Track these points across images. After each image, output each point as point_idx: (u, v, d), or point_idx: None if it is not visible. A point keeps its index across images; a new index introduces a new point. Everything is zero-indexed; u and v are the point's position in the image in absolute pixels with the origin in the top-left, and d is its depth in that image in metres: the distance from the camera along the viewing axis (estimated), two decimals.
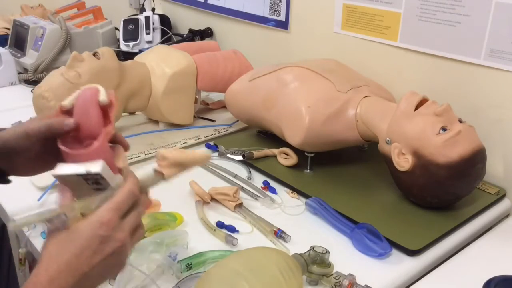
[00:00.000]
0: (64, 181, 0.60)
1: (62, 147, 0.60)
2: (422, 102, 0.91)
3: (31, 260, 0.93)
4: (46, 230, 0.52)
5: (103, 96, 0.63)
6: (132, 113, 1.32)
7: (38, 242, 0.85)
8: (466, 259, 0.82)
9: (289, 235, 0.84)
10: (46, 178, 0.99)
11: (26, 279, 1.07)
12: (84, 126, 0.61)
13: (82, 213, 0.54)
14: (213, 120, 1.34)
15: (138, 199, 0.59)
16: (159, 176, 0.63)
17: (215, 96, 1.49)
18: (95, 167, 0.57)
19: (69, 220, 0.53)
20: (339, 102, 1.00)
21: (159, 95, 1.19)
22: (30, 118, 0.69)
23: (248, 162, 1.10)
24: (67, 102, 0.63)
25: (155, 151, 1.14)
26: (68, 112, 0.63)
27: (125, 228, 0.56)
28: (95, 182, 0.59)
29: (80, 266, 0.53)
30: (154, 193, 0.93)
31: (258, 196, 0.98)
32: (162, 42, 1.79)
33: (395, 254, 0.82)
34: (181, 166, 0.64)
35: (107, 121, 0.62)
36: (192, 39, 1.72)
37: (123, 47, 1.78)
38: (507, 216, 0.99)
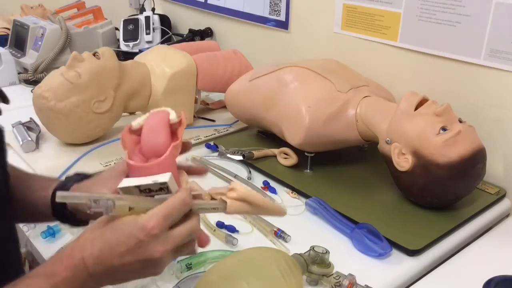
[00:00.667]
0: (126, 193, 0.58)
1: (129, 161, 0.58)
2: (422, 102, 0.91)
3: (31, 260, 0.93)
4: (90, 210, 0.51)
5: (173, 116, 0.61)
6: (132, 113, 1.32)
7: (38, 242, 0.85)
8: (466, 259, 0.82)
9: (289, 235, 0.84)
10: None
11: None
12: (152, 144, 0.60)
13: (130, 207, 0.53)
14: (213, 120, 1.34)
15: (192, 215, 0.57)
16: (222, 204, 0.59)
17: (215, 96, 1.49)
18: (163, 177, 0.56)
19: (115, 208, 0.52)
20: (339, 102, 1.00)
21: (159, 95, 1.19)
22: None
23: (248, 162, 1.10)
24: (135, 123, 0.62)
25: None
26: (136, 132, 0.62)
27: (168, 241, 0.54)
28: (160, 184, 0.57)
29: (110, 258, 0.53)
30: None
31: None
32: (162, 42, 1.79)
33: (395, 254, 0.82)
34: (249, 206, 0.59)
35: (174, 139, 0.61)
36: (192, 39, 1.71)
37: (123, 47, 1.78)
38: (507, 216, 0.99)
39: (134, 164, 0.58)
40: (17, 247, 0.72)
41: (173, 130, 0.62)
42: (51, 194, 0.69)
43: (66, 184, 0.69)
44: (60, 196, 0.52)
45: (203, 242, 0.62)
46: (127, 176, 0.60)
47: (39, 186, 0.73)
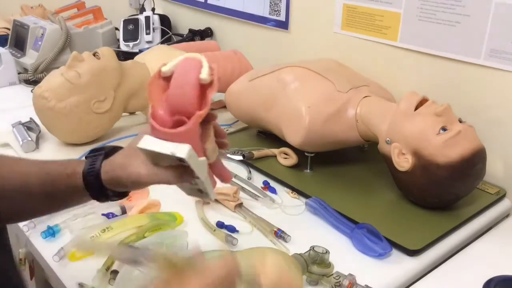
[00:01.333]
0: (146, 152, 0.58)
1: (151, 121, 0.56)
2: (422, 102, 0.91)
3: (31, 260, 0.93)
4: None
5: (204, 74, 0.57)
6: (132, 113, 1.32)
7: (38, 242, 0.85)
8: (466, 259, 0.82)
9: (289, 235, 0.84)
10: None
11: (25, 279, 1.06)
12: (178, 100, 0.57)
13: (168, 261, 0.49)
14: None
15: None
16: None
17: (215, 96, 1.49)
18: (181, 151, 0.54)
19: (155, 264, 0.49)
20: (339, 102, 1.00)
21: None
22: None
23: (248, 162, 1.10)
24: (167, 68, 0.59)
25: None
26: (167, 79, 0.58)
27: None
28: (179, 159, 0.56)
29: None
30: (154, 193, 0.94)
31: (258, 196, 0.98)
32: (162, 42, 1.79)
33: (395, 254, 0.82)
34: None
35: (202, 103, 0.57)
36: (192, 39, 1.72)
37: (123, 47, 1.78)
38: (507, 216, 0.99)
39: (155, 126, 0.56)
40: (8, 258, 0.67)
41: (203, 89, 0.57)
42: (83, 177, 0.64)
43: (94, 164, 0.65)
44: (77, 244, 0.53)
45: (227, 178, 0.68)
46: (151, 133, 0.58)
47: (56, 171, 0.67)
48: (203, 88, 0.57)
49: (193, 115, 0.56)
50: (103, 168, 0.64)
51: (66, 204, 0.72)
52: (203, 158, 0.59)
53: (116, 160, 0.65)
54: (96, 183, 0.64)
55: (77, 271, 0.77)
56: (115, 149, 0.68)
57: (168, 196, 0.89)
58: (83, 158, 0.68)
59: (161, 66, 0.60)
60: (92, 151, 0.69)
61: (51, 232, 0.85)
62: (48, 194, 0.66)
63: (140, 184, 0.63)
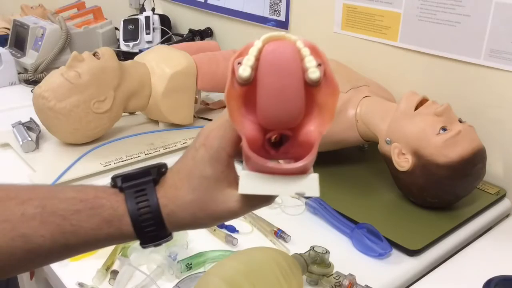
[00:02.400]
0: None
1: (251, 154, 0.40)
2: (422, 102, 0.92)
3: None
4: None
5: (313, 70, 0.38)
6: (132, 113, 1.32)
7: None
8: (466, 259, 0.82)
9: (289, 235, 0.84)
10: (46, 178, 0.99)
11: (25, 279, 1.07)
12: (275, 114, 0.40)
13: None
14: None
15: None
16: None
17: (215, 96, 1.49)
18: (312, 189, 0.43)
19: None
20: (339, 102, 0.99)
21: (159, 95, 1.19)
22: None
23: None
24: (247, 72, 0.38)
25: (155, 151, 1.14)
26: (250, 84, 0.40)
27: None
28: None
29: None
30: None
31: None
32: (162, 42, 1.79)
33: (395, 254, 0.82)
34: None
35: (318, 113, 0.41)
36: (192, 39, 1.71)
37: (123, 47, 1.78)
38: (507, 216, 0.99)
39: (262, 163, 0.40)
40: None
41: (309, 88, 0.40)
42: (132, 221, 0.45)
43: (146, 200, 0.45)
44: None
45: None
46: (244, 160, 0.42)
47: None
48: (313, 89, 0.40)
49: (295, 125, 0.42)
50: (162, 204, 0.46)
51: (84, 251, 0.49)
52: (315, 176, 0.45)
53: (181, 194, 0.45)
54: (156, 227, 0.45)
55: (77, 270, 0.77)
56: (159, 170, 0.48)
57: None
58: (113, 186, 0.47)
59: (233, 63, 0.40)
60: (120, 177, 0.47)
61: None
62: (64, 249, 0.46)
63: (224, 221, 0.48)
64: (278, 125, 0.42)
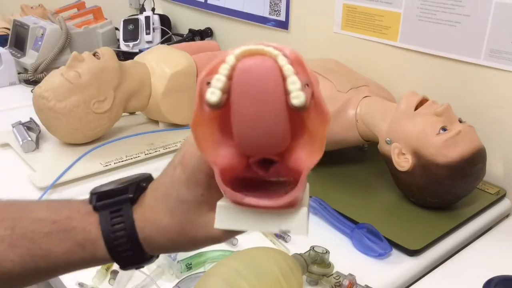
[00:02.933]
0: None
1: (225, 188, 0.36)
2: (422, 102, 0.92)
3: None
4: None
5: (297, 94, 0.32)
6: (132, 113, 1.32)
7: None
8: (466, 259, 0.82)
9: (289, 235, 0.84)
10: (46, 178, 0.99)
11: None
12: (254, 141, 0.35)
13: None
14: None
15: None
16: None
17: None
18: (299, 227, 0.37)
19: None
20: (339, 102, 1.00)
21: (159, 95, 1.19)
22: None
23: None
24: (216, 97, 0.34)
25: (155, 151, 1.14)
26: (223, 107, 0.35)
27: None
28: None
29: None
30: None
31: None
32: (162, 42, 1.79)
33: (395, 254, 0.82)
34: None
35: (308, 138, 0.36)
36: (192, 39, 1.71)
37: (123, 47, 1.78)
38: (507, 216, 0.99)
39: (238, 201, 0.36)
40: None
41: (298, 116, 0.35)
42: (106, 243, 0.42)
43: (122, 222, 0.42)
44: None
45: None
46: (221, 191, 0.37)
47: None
48: (298, 114, 0.34)
49: (280, 151, 0.36)
50: (139, 227, 0.42)
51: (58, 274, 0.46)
52: (305, 210, 0.38)
53: (158, 218, 0.42)
54: (133, 252, 0.42)
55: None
56: (139, 186, 0.44)
57: None
58: (88, 203, 0.44)
59: (200, 84, 0.35)
60: (96, 194, 0.44)
61: None
62: (35, 274, 0.43)
63: (206, 246, 0.44)
64: (258, 153, 0.37)
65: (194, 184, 0.40)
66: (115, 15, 1.99)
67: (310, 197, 0.94)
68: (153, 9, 1.90)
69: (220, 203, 0.38)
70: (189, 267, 0.75)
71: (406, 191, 0.95)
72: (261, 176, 0.39)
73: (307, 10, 1.38)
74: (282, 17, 1.44)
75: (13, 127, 1.20)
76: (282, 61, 0.33)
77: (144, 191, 0.44)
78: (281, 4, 1.43)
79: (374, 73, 1.19)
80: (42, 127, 1.18)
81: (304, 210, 0.37)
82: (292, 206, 0.36)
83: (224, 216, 0.38)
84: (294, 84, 0.32)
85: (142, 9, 2.00)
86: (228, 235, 0.42)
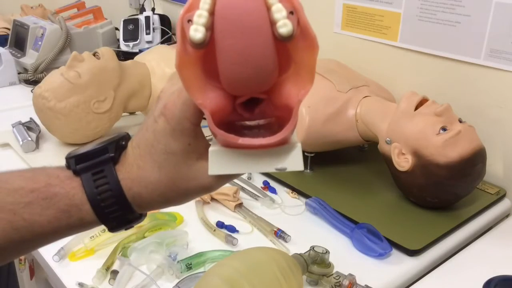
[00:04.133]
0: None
1: (216, 131, 0.35)
2: (422, 102, 0.91)
3: (31, 260, 0.93)
4: None
5: (283, 23, 0.32)
6: (132, 113, 1.32)
7: None
8: (466, 259, 0.82)
9: (289, 235, 0.84)
10: None
11: (25, 279, 1.07)
12: (242, 78, 0.33)
13: None
14: None
15: None
16: None
17: None
18: (295, 163, 0.36)
19: None
20: (339, 102, 1.00)
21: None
22: None
23: None
24: (199, 35, 0.31)
25: None
26: (208, 46, 0.32)
27: None
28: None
29: None
30: None
31: (258, 196, 0.98)
32: (162, 42, 1.79)
33: (395, 254, 0.82)
34: None
35: (295, 71, 0.35)
36: None
37: (123, 47, 1.78)
38: (507, 216, 0.99)
39: (231, 142, 0.34)
40: None
41: (286, 46, 0.34)
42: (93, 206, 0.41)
43: (107, 183, 0.41)
44: None
45: None
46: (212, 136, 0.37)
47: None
48: (286, 45, 0.34)
49: (267, 88, 0.35)
50: (125, 187, 0.41)
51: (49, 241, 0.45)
52: (299, 145, 0.37)
53: (145, 175, 0.41)
54: (122, 212, 0.41)
55: (77, 271, 0.77)
56: (118, 144, 0.44)
57: None
58: (67, 168, 0.44)
59: (181, 21, 0.32)
60: (73, 157, 0.44)
61: None
62: (21, 246, 0.42)
63: (197, 197, 0.44)
64: (247, 91, 0.35)
65: (180, 134, 0.39)
66: (115, 15, 1.99)
67: (310, 197, 0.94)
68: (153, 9, 1.90)
69: (212, 148, 0.37)
70: (189, 267, 0.75)
71: (406, 191, 0.95)
72: (246, 118, 0.38)
73: (307, 10, 1.36)
74: None
75: (13, 127, 1.20)
76: None
77: (124, 149, 0.43)
78: None
79: (374, 73, 1.19)
80: (42, 127, 1.18)
81: (299, 145, 0.36)
82: (285, 142, 0.36)
83: (217, 161, 0.37)
84: (279, 12, 0.31)
85: (142, 9, 2.00)
86: (220, 182, 0.41)
